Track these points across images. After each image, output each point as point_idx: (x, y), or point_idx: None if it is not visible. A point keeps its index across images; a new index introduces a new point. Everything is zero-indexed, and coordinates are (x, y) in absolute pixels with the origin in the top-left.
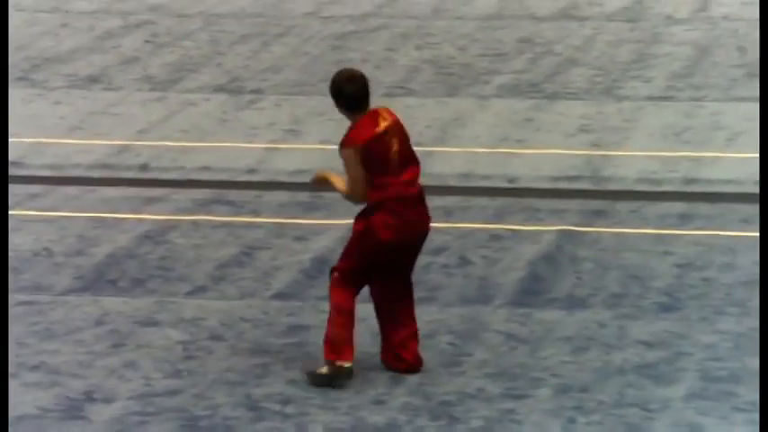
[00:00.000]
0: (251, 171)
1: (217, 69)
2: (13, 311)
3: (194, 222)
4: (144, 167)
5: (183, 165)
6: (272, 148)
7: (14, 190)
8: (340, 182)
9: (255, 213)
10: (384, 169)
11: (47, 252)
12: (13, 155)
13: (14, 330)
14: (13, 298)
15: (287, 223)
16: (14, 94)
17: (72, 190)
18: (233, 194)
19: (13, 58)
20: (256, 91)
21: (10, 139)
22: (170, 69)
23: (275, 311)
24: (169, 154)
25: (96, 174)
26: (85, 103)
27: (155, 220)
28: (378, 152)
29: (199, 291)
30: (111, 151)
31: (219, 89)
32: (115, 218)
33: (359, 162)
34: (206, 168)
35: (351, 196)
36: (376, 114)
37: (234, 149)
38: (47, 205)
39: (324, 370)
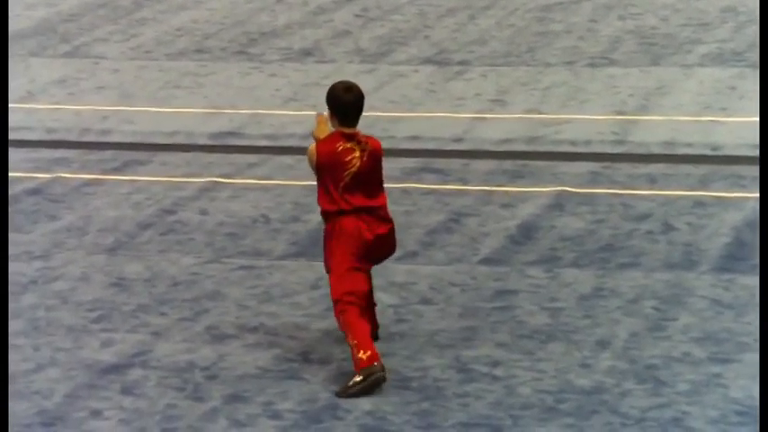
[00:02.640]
0: (458, 140)
1: (425, 42)
2: (233, 275)
3: (404, 190)
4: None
5: (393, 134)
6: (479, 117)
7: (234, 159)
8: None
9: (463, 181)
10: (335, 185)
11: (264, 219)
12: (232, 125)
13: (235, 293)
14: (233, 262)
15: (493, 191)
16: (233, 67)
17: (287, 159)
18: (441, 163)
19: (232, 33)
20: (463, 62)
21: (229, 111)
22: (380, 42)
23: (483, 276)
24: (379, 124)
25: (310, 143)
26: (299, 76)
27: None
28: (332, 167)
29: (409, 256)
30: None
31: (427, 61)
32: None
33: (312, 166)
34: (415, 138)
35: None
36: (353, 137)
37: (441, 119)
38: (264, 173)
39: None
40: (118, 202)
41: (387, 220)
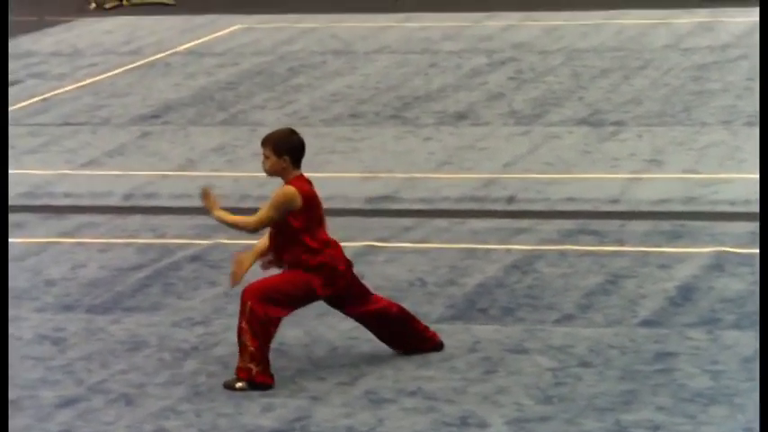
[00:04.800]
0: (614, 201)
1: (579, 103)
2: None
3: (561, 252)
4: (511, 200)
5: (548, 196)
6: (635, 178)
7: (389, 223)
8: (225, 214)
9: (620, 242)
10: (319, 224)
11: (420, 282)
12: (387, 189)
13: (393, 357)
14: None
15: (651, 251)
16: (387, 131)
17: (442, 222)
18: (597, 224)
19: (386, 97)
20: (618, 123)
21: (384, 175)
22: (534, 104)
23: (642, 338)
24: (535, 186)
25: (465, 206)
26: (454, 139)
27: (522, 250)
28: (315, 206)
29: (566, 318)
30: (478, 184)
31: (582, 122)
32: (484, 249)
33: (287, 209)
34: (571, 199)
35: (247, 226)
36: (306, 179)
37: (597, 180)
38: (419, 237)
39: None
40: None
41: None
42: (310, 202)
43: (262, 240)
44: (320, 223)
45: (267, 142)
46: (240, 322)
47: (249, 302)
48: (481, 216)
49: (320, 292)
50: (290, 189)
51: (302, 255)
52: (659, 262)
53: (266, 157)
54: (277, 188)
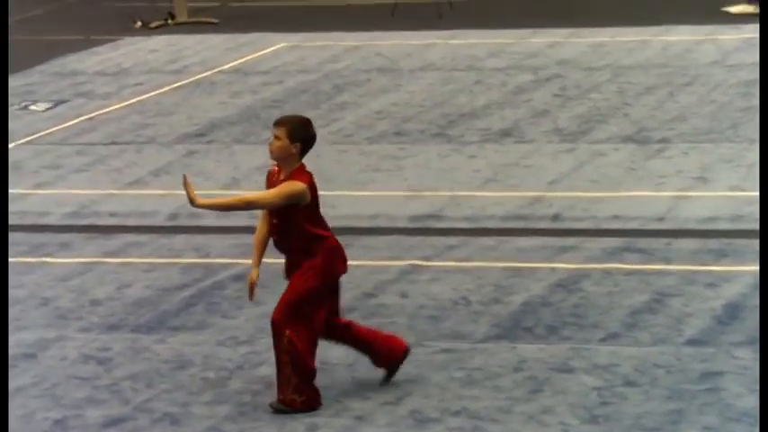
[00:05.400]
0: (660, 219)
1: (624, 120)
2: (434, 358)
3: (606, 270)
4: (556, 217)
5: (594, 214)
6: (681, 195)
7: (433, 242)
8: (210, 200)
9: (666, 261)
10: (318, 211)
11: (465, 301)
12: (431, 208)
13: (437, 376)
14: (434, 345)
15: (698, 270)
16: (432, 149)
17: (487, 240)
18: (643, 242)
19: (431, 115)
20: (664, 140)
21: (429, 193)
22: (579, 121)
23: (688, 357)
24: (580, 204)
25: (510, 224)
26: (499, 157)
27: (567, 268)
28: (317, 197)
29: (612, 337)
30: (523, 202)
31: (627, 139)
32: (529, 267)
33: (294, 202)
34: (616, 217)
35: (248, 204)
36: (307, 170)
37: (643, 198)
38: (464, 255)
39: None
40: None
41: None
42: (314, 193)
43: (257, 237)
44: (318, 207)
45: (283, 124)
46: (279, 354)
47: (287, 332)
48: (526, 234)
49: (342, 269)
50: (301, 186)
51: (310, 242)
52: (706, 280)
53: (277, 138)
54: (287, 179)
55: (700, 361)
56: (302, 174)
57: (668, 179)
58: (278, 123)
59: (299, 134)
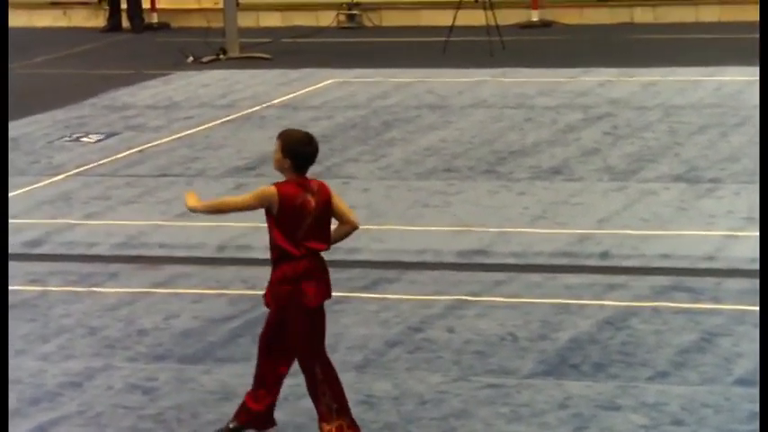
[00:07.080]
0: (710, 258)
1: (675, 159)
2: (480, 394)
3: (655, 309)
4: (604, 255)
5: (643, 252)
6: (731, 235)
7: (481, 277)
8: (201, 203)
9: (715, 300)
10: (293, 230)
11: (512, 337)
12: (479, 244)
13: (483, 412)
14: (480, 381)
15: (747, 310)
16: (481, 186)
17: (535, 277)
18: (692, 281)
19: (480, 151)
20: (715, 180)
21: (477, 229)
22: (629, 160)
23: (737, 397)
24: (629, 242)
25: (558, 261)
26: (548, 194)
27: (616, 306)
28: (298, 213)
29: (660, 376)
30: (572, 240)
31: (678, 178)
32: (577, 304)
33: (263, 205)
34: (666, 256)
35: (228, 207)
36: (306, 183)
37: (693, 237)
38: (511, 291)
39: None
40: (367, 320)
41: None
42: (289, 203)
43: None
44: (309, 233)
45: (280, 138)
46: (314, 388)
47: (317, 365)
48: (574, 271)
49: (310, 302)
50: (270, 189)
51: (279, 258)
52: (755, 320)
53: (275, 151)
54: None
55: (748, 401)
56: (284, 184)
57: (718, 219)
58: (278, 135)
59: (291, 151)
